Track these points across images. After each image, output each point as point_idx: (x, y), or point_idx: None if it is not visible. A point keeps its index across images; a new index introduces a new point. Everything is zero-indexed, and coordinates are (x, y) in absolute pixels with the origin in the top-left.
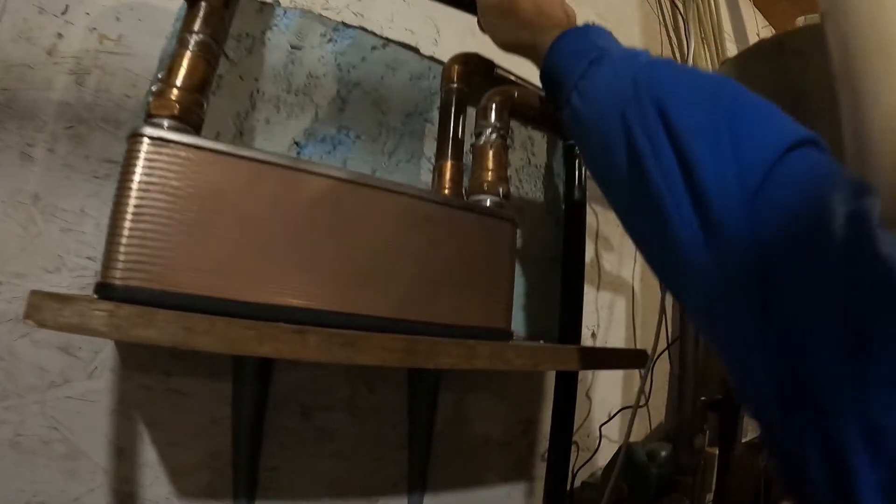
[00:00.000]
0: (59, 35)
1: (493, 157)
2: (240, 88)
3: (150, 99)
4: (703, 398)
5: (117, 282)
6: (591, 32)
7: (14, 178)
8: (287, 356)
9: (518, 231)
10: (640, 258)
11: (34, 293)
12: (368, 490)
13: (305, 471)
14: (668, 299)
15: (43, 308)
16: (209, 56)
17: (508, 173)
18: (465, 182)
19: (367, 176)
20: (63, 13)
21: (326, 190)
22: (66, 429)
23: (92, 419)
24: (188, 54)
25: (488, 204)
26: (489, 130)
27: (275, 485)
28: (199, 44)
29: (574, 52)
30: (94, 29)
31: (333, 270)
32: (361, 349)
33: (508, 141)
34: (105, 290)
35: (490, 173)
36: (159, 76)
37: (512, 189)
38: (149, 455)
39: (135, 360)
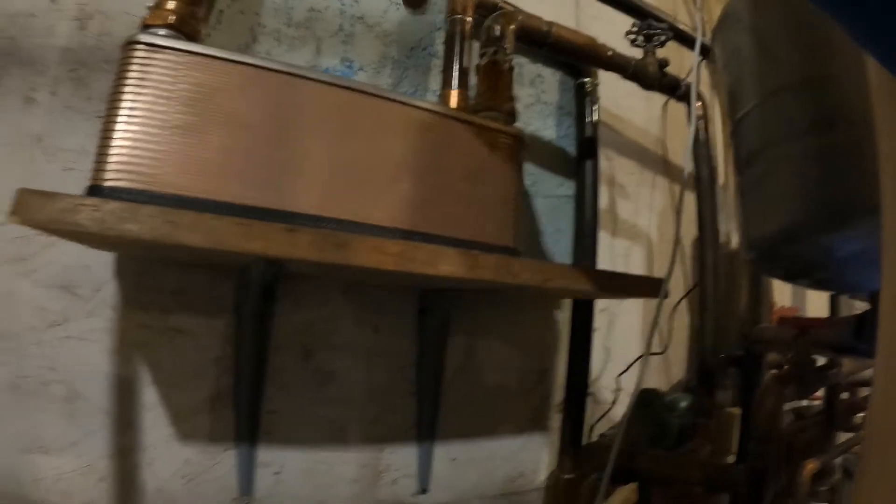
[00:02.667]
0: None
1: (497, 74)
2: (240, 22)
3: (147, 10)
4: (723, 354)
5: (107, 183)
6: None
7: (17, 122)
8: (276, 254)
9: (527, 163)
10: (656, 207)
11: (21, 191)
12: (374, 437)
13: (307, 415)
14: (686, 248)
15: (29, 204)
16: None
17: (517, 107)
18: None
19: (365, 84)
20: None
21: (323, 96)
22: (65, 370)
23: (91, 360)
24: None
25: (493, 120)
26: (493, 50)
27: (276, 428)
28: None
29: None
30: None
31: (328, 177)
32: (356, 250)
33: (514, 75)
34: (94, 191)
35: (494, 90)
36: None
37: (522, 126)
38: (149, 396)
39: (135, 297)
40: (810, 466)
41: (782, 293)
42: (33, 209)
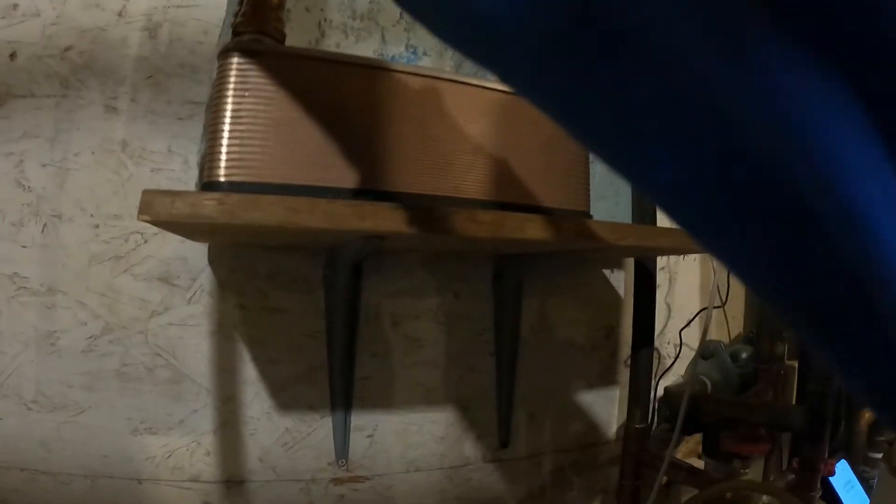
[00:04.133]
0: None
1: None
2: (307, 19)
3: (235, 20)
4: None
5: (222, 178)
6: None
7: (101, 130)
8: (385, 230)
9: None
10: None
11: (146, 192)
12: (459, 397)
13: (398, 380)
14: None
15: (155, 203)
16: None
17: None
18: None
19: (444, 71)
20: None
21: (408, 85)
22: (169, 354)
23: (193, 343)
24: None
25: None
26: None
27: (369, 394)
28: None
29: None
30: None
31: (419, 157)
32: (454, 222)
33: None
34: (210, 187)
35: None
36: (239, 1)
37: None
38: (249, 373)
39: (231, 282)
40: (867, 416)
41: None
42: (162, 206)
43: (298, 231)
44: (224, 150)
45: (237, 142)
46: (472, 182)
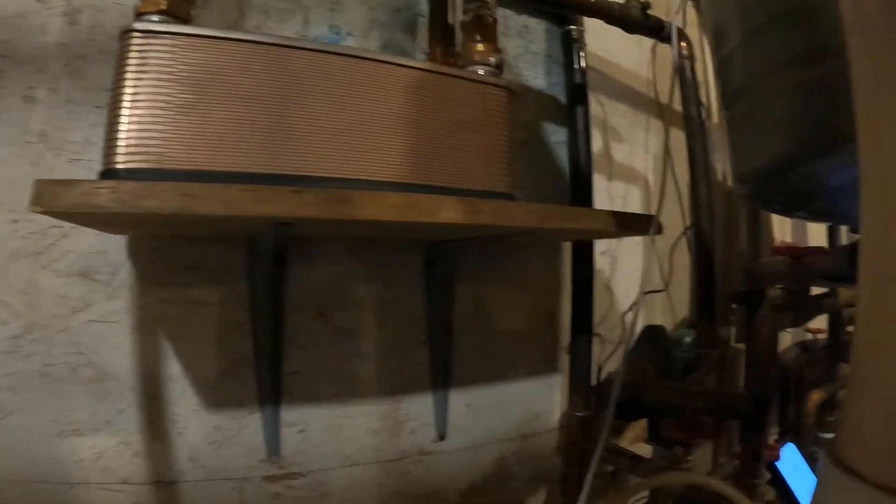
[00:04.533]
0: None
1: (482, 29)
2: (226, 0)
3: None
4: (726, 291)
5: (119, 166)
6: None
7: (19, 121)
8: (285, 214)
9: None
10: (651, 148)
11: (39, 181)
12: (393, 389)
13: (328, 372)
14: (683, 188)
15: (48, 193)
16: None
17: (505, 59)
18: None
19: (357, 48)
20: None
21: (318, 64)
22: (92, 352)
23: (116, 340)
24: None
25: (481, 73)
26: (476, 5)
27: (299, 388)
28: None
29: None
30: None
31: (330, 140)
32: (359, 205)
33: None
34: (108, 175)
35: (480, 44)
36: None
37: (512, 76)
38: (173, 369)
39: (152, 275)
40: (816, 396)
41: (783, 229)
42: (54, 197)
43: (196, 219)
44: (122, 136)
45: (135, 126)
46: (386, 164)
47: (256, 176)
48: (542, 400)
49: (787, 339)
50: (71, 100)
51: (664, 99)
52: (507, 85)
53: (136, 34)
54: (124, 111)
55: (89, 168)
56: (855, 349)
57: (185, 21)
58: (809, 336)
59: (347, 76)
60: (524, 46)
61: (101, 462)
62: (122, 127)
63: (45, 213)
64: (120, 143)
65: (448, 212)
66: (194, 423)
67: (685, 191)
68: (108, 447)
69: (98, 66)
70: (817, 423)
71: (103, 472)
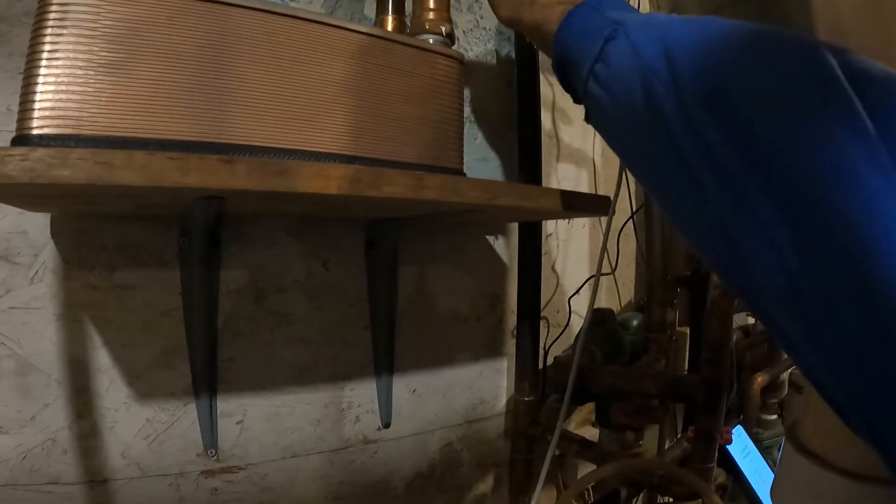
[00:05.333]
0: None
1: None
2: None
3: None
4: (671, 275)
5: (33, 131)
6: (603, 4)
7: None
8: (214, 186)
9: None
10: None
11: None
12: (334, 376)
13: (266, 360)
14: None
15: None
16: None
17: (457, 34)
18: None
19: (300, 9)
20: None
21: (256, 23)
22: (13, 342)
23: (39, 328)
24: None
25: (431, 42)
26: None
27: (235, 377)
28: None
29: (585, 32)
30: None
31: (267, 106)
32: (297, 176)
33: (455, 2)
34: (20, 142)
35: (431, 13)
36: None
37: (461, 51)
38: (101, 359)
39: (77, 257)
40: (759, 379)
41: None
42: None
43: (116, 190)
44: (37, 98)
45: (52, 88)
46: (328, 134)
47: (185, 144)
48: (488, 385)
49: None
50: None
51: None
52: (458, 56)
53: None
54: (40, 71)
55: (9, 139)
56: None
57: None
58: (751, 320)
59: (288, 38)
60: (475, 21)
61: (28, 461)
62: (36, 88)
63: None
64: (34, 106)
65: (393, 186)
66: (126, 417)
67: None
68: (34, 445)
69: (22, 29)
70: (761, 405)
71: (31, 473)
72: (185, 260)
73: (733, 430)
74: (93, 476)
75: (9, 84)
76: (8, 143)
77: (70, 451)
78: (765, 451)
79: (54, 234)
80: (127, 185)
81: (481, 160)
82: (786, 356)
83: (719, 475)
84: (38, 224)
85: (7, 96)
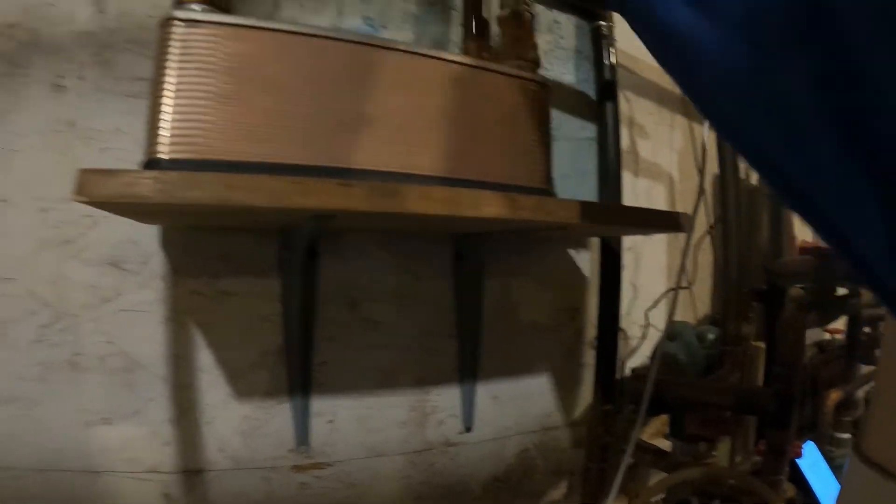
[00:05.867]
0: None
1: (520, 25)
2: None
3: None
4: (746, 289)
5: (162, 156)
6: None
7: (48, 110)
8: (332, 207)
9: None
10: (676, 145)
11: (81, 171)
12: (420, 381)
13: (357, 363)
14: (706, 184)
15: (91, 182)
16: None
17: (538, 53)
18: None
19: (398, 42)
20: None
21: (357, 56)
22: (122, 342)
23: (146, 330)
24: None
25: (518, 68)
26: (513, 0)
27: (328, 379)
28: None
29: None
30: None
31: (370, 132)
32: (406, 198)
33: (534, 24)
34: (151, 165)
35: (517, 39)
36: None
37: (542, 72)
38: (204, 359)
39: (184, 266)
40: (834, 396)
41: (803, 228)
42: (97, 186)
43: (240, 210)
44: (165, 126)
45: (179, 117)
46: (428, 158)
47: (298, 168)
48: (566, 393)
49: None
50: (100, 88)
51: None
52: (544, 80)
53: (178, 23)
54: (167, 101)
55: (119, 157)
56: (884, 349)
57: (226, 10)
58: (826, 336)
59: (387, 69)
60: (555, 42)
61: (129, 451)
62: (164, 117)
63: (87, 202)
64: (163, 133)
65: (491, 206)
66: (224, 413)
67: (708, 187)
68: (136, 436)
69: (127, 55)
70: (834, 422)
71: (131, 461)
72: (286, 270)
73: (805, 446)
74: (189, 466)
75: (117, 105)
76: (117, 160)
77: (170, 442)
78: (836, 469)
79: (163, 244)
80: (252, 206)
81: (563, 177)
82: (861, 373)
83: (789, 489)
84: (147, 234)
85: (116, 117)
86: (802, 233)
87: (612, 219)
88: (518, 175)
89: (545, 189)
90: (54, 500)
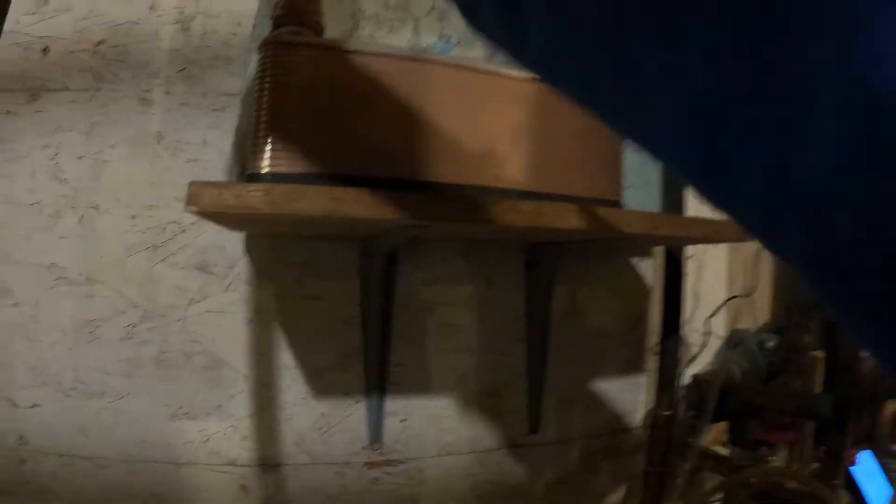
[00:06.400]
0: None
1: None
2: (341, 10)
3: (275, 12)
4: (807, 297)
5: (265, 169)
6: None
7: (136, 122)
8: (429, 219)
9: None
10: None
11: (193, 183)
12: (491, 383)
13: (431, 366)
14: None
15: (203, 194)
16: None
17: None
18: None
19: (482, 63)
20: None
21: (447, 77)
22: (207, 341)
23: (230, 330)
24: None
25: None
26: None
27: (403, 380)
28: None
29: None
30: None
31: (456, 148)
32: (496, 212)
33: None
34: (254, 178)
35: None
36: None
37: None
38: (285, 359)
39: (267, 270)
40: (892, 408)
41: None
42: (209, 198)
43: (342, 221)
44: (266, 141)
45: (279, 134)
46: (510, 171)
47: (390, 181)
48: (628, 399)
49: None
50: (186, 103)
51: None
52: None
53: (277, 45)
54: (267, 119)
55: (206, 168)
56: None
57: (319, 32)
58: None
59: (474, 88)
60: None
61: (210, 444)
62: (265, 133)
63: (198, 213)
64: (265, 148)
65: (572, 219)
66: (303, 411)
67: None
68: (217, 430)
69: (212, 70)
70: (891, 434)
71: (211, 454)
72: (366, 275)
73: (861, 455)
74: (267, 460)
75: (203, 119)
76: (204, 171)
77: (249, 437)
78: (893, 479)
79: (248, 249)
80: (355, 218)
81: (628, 187)
82: None
83: (844, 496)
84: (233, 241)
85: (203, 130)
86: None
87: (681, 229)
88: (592, 187)
89: (616, 201)
90: (138, 489)
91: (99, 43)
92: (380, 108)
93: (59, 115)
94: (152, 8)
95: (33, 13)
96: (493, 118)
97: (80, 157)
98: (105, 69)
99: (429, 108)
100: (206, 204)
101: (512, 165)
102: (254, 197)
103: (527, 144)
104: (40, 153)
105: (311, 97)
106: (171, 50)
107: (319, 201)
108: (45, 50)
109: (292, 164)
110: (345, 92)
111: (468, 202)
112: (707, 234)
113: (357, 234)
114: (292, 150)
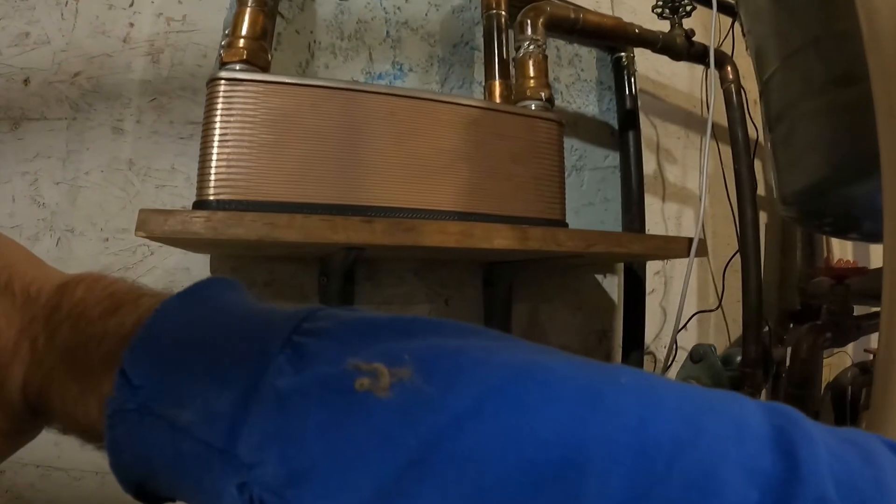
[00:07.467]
0: (131, 24)
1: (533, 65)
2: (298, 42)
3: (221, 51)
4: (782, 311)
5: (210, 197)
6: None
7: (109, 150)
8: (357, 241)
9: (574, 139)
10: (706, 169)
11: (142, 210)
12: None
13: None
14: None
15: (150, 221)
16: (266, 9)
17: (558, 87)
18: None
19: (416, 90)
20: (130, 5)
21: (381, 105)
22: None
23: None
24: (248, 10)
25: (532, 108)
26: (527, 43)
27: None
28: (256, 1)
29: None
30: (161, 14)
31: (394, 173)
32: (422, 233)
33: (554, 56)
34: (201, 205)
35: (531, 80)
36: (226, 32)
37: (564, 105)
38: None
39: None
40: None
41: (844, 247)
42: (155, 224)
43: (277, 244)
44: (212, 171)
45: (224, 163)
46: (446, 194)
47: (329, 206)
48: None
49: (846, 360)
50: (156, 131)
51: (719, 119)
52: (557, 118)
53: (222, 82)
54: (214, 149)
55: (174, 193)
56: (878, 360)
57: (264, 69)
58: (870, 357)
59: (409, 115)
60: (576, 75)
61: None
62: (211, 163)
63: (147, 237)
64: (210, 177)
65: (501, 239)
66: None
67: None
68: None
69: (179, 101)
70: None
71: None
72: (325, 295)
73: None
74: None
75: (171, 146)
76: (173, 196)
77: None
78: None
79: (213, 270)
80: (287, 242)
81: (587, 205)
82: None
83: None
84: (199, 262)
85: (171, 157)
86: (843, 253)
87: (619, 246)
88: (532, 208)
89: (558, 220)
90: (110, 500)
91: (76, 74)
92: (319, 137)
93: (38, 143)
94: (125, 41)
95: (15, 45)
96: (426, 142)
97: (58, 183)
98: (81, 99)
99: (364, 135)
100: (153, 229)
101: (449, 188)
102: (196, 223)
103: (462, 167)
104: (21, 179)
105: (253, 129)
106: (142, 81)
107: (255, 227)
108: (27, 81)
109: (235, 192)
110: (285, 124)
111: (396, 224)
112: (648, 250)
113: (312, 255)
114: (236, 178)
